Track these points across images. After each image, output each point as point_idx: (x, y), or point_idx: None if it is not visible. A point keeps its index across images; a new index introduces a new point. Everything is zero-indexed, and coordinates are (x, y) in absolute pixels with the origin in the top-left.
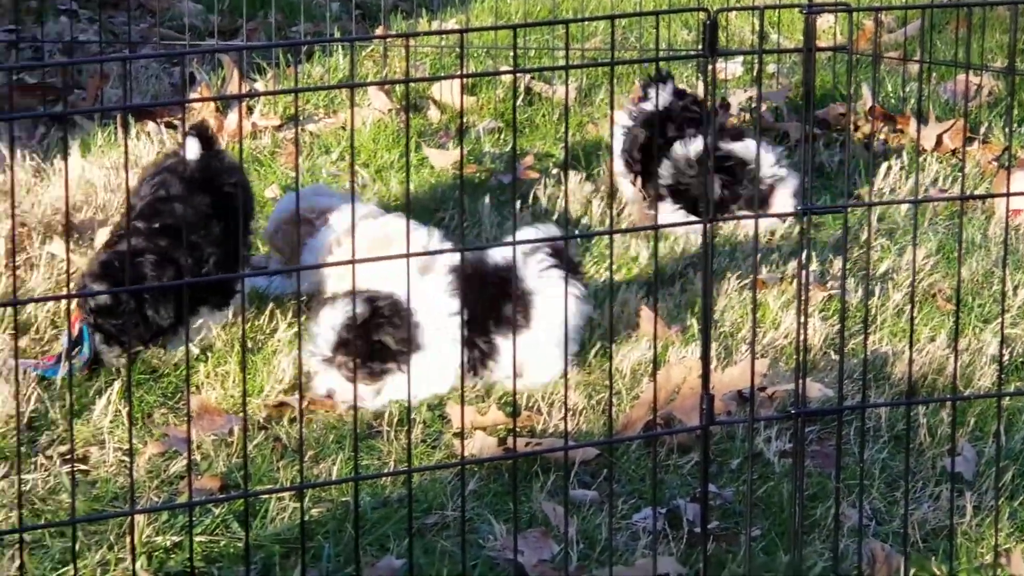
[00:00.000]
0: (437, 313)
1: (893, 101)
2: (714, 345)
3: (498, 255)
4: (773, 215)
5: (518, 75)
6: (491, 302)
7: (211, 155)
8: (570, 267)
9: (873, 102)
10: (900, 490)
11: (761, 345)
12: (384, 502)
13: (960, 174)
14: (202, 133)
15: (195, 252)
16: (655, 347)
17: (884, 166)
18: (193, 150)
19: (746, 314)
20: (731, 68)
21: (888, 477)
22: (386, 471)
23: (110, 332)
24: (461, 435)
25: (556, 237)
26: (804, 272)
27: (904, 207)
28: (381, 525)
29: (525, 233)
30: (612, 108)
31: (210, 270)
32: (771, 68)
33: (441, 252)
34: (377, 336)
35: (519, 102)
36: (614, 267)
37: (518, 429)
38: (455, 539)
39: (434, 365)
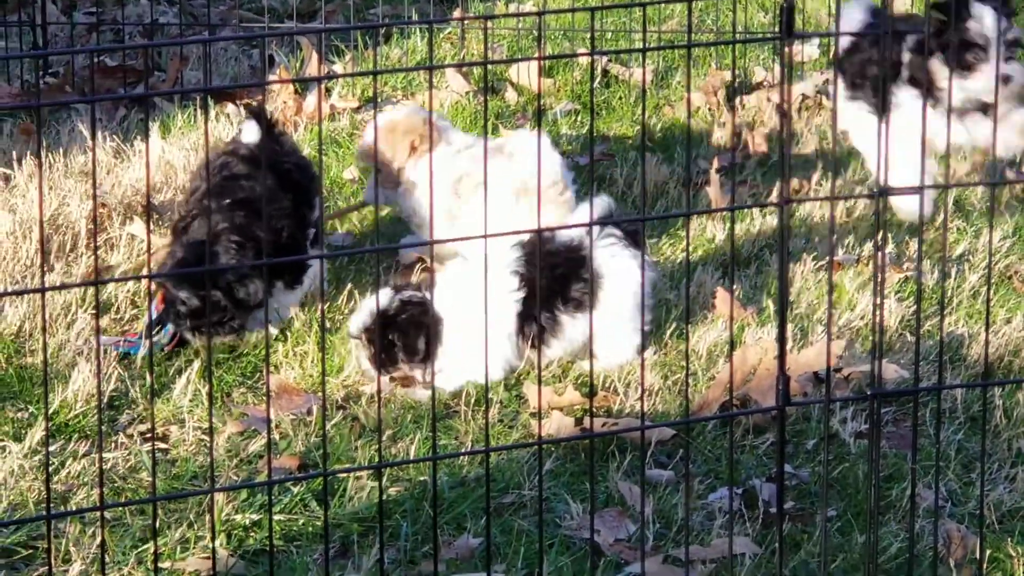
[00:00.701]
0: (496, 291)
1: None
2: (789, 326)
3: (569, 233)
4: (849, 196)
5: (595, 57)
6: (558, 279)
7: (271, 137)
8: (635, 242)
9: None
10: (976, 471)
11: (837, 326)
12: (461, 481)
13: None
14: (259, 116)
15: (271, 227)
16: (731, 328)
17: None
18: (252, 132)
19: (822, 295)
20: (807, 51)
21: (964, 459)
22: (464, 451)
23: (200, 329)
24: (538, 415)
25: (633, 219)
26: (880, 253)
27: (980, 189)
28: (458, 504)
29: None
30: (689, 91)
31: (285, 244)
32: None
33: (518, 232)
34: (391, 335)
35: (596, 84)
36: (691, 247)
37: (595, 409)
38: (532, 518)
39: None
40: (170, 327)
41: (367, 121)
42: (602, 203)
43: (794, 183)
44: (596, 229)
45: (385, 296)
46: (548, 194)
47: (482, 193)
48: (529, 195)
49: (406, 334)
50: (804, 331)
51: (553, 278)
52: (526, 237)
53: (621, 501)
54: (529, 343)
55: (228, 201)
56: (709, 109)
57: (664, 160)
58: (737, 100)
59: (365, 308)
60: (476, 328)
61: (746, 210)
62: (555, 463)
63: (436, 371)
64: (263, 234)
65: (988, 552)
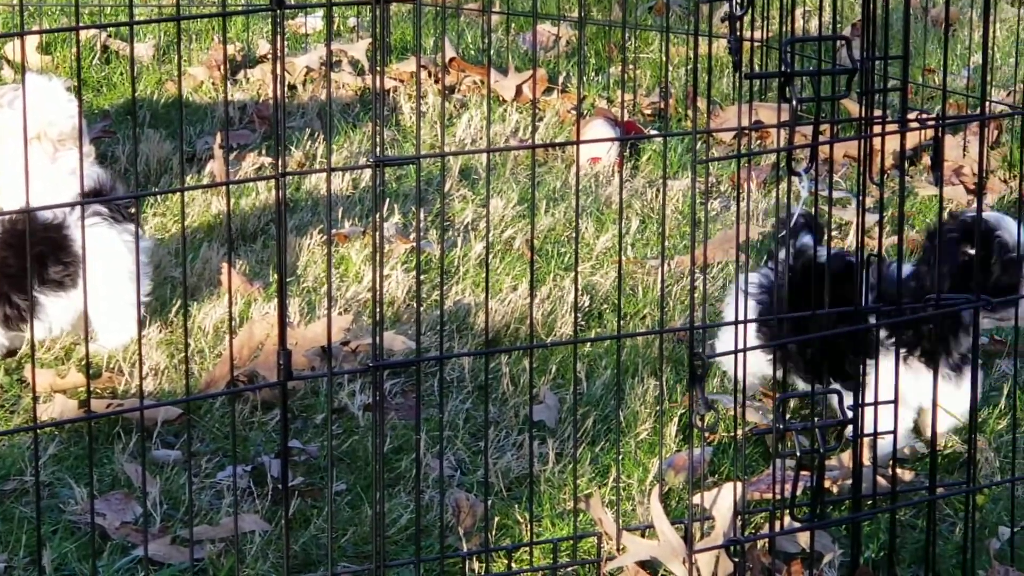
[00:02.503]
0: None
1: (473, 52)
2: (296, 300)
3: (48, 212)
4: (344, 168)
5: (95, 33)
6: (35, 260)
7: None
8: (127, 218)
9: (443, 55)
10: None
11: (344, 299)
12: None
13: (539, 123)
14: None
15: None
16: (230, 303)
17: (465, 117)
18: None
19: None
20: (312, 22)
21: (472, 427)
22: None
23: None
24: (33, 398)
25: (121, 196)
26: (379, 224)
27: (486, 158)
28: None
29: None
30: (180, 67)
31: None
32: (352, 21)
33: (3, 214)
34: None
35: (96, 60)
36: (196, 223)
37: (100, 391)
38: (35, 504)
39: None
40: None
41: None
42: (91, 176)
43: (298, 156)
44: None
45: None
46: (65, 141)
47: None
48: (45, 141)
49: None
50: (311, 305)
51: (31, 259)
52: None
53: (128, 483)
54: (6, 325)
55: None
56: (213, 83)
57: (167, 136)
58: (241, 74)
59: None
60: None
61: (251, 185)
62: (59, 447)
63: None
64: None
65: (496, 519)
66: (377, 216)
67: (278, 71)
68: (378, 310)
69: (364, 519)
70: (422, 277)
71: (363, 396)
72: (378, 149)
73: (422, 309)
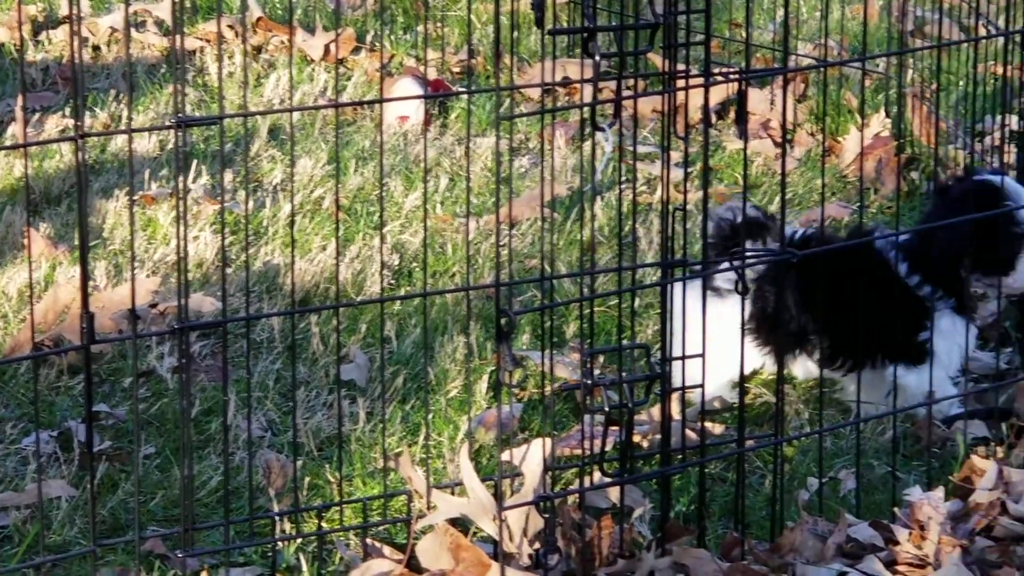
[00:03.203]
0: None
1: (280, 12)
2: (103, 263)
3: None
4: (145, 129)
5: None
6: None
7: None
8: None
9: (243, 15)
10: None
11: (152, 261)
12: None
13: (347, 82)
14: None
15: None
16: (30, 265)
17: (273, 77)
18: None
19: (136, 231)
20: None
21: (282, 388)
22: None
23: None
24: None
25: None
26: (181, 186)
27: (295, 117)
28: None
29: None
30: (19, 20)
31: None
32: None
33: None
34: None
35: None
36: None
37: None
38: None
39: None
40: None
41: None
42: None
43: (103, 117)
44: None
45: None
46: None
47: None
48: None
49: None
50: (119, 268)
51: None
52: None
53: None
54: None
55: None
56: (14, 45)
57: None
58: (43, 34)
59: None
60: None
61: (54, 147)
62: None
63: None
64: None
65: (307, 479)
66: (180, 178)
67: (74, 29)
68: (182, 272)
69: (173, 482)
70: (231, 238)
71: (171, 359)
72: (179, 110)
73: (231, 270)
